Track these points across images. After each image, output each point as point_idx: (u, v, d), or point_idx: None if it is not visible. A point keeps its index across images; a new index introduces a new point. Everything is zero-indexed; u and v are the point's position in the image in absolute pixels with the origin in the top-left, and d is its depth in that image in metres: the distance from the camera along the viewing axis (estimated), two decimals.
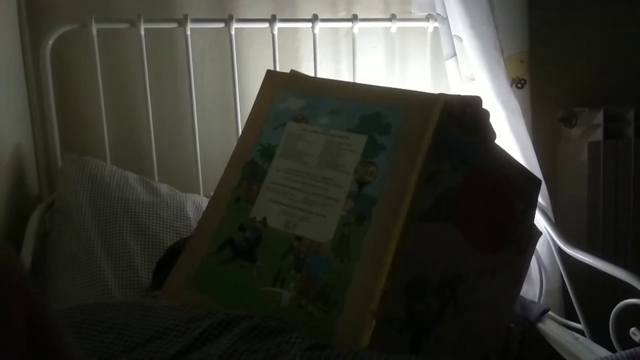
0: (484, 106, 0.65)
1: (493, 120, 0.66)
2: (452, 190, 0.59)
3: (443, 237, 0.59)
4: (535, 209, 0.71)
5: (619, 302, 0.89)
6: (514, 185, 0.68)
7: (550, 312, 1.06)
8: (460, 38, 1.24)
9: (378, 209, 0.57)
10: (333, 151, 0.63)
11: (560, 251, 1.07)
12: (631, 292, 0.88)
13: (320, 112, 0.67)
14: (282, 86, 0.72)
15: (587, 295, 1.10)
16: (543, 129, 1.44)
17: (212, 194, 0.70)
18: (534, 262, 1.20)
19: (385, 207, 0.57)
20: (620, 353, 0.64)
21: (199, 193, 1.27)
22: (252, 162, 0.67)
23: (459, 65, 1.30)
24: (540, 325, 1.03)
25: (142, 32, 1.22)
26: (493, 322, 0.67)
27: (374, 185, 0.59)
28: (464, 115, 0.62)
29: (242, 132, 0.72)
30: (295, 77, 0.73)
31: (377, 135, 0.61)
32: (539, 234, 0.73)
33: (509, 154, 0.69)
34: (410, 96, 0.64)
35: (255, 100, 0.73)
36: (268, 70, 0.75)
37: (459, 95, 0.64)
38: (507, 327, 0.73)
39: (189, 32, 1.24)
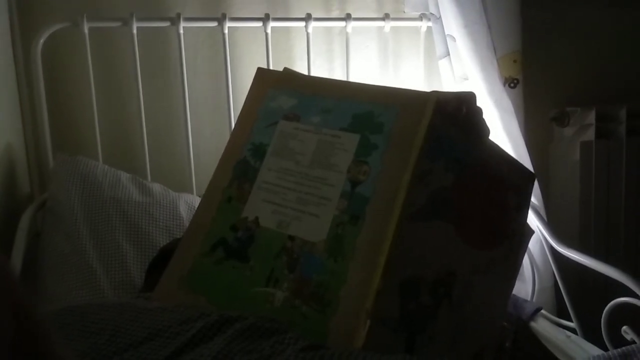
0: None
1: (486, 119, 0.66)
2: (445, 188, 0.59)
3: (437, 235, 0.59)
4: (529, 203, 0.71)
5: (610, 301, 0.90)
6: (508, 181, 0.68)
7: (542, 311, 1.06)
8: (454, 37, 1.24)
9: (371, 208, 0.57)
10: (326, 150, 0.63)
11: (553, 250, 1.08)
12: (623, 290, 0.88)
13: (312, 110, 0.66)
14: (273, 84, 0.71)
15: (579, 294, 1.10)
16: (535, 129, 1.45)
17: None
18: (526, 261, 1.20)
19: (379, 207, 0.57)
20: (613, 351, 0.64)
21: (191, 192, 1.26)
22: (243, 161, 0.67)
23: (452, 64, 1.30)
24: (533, 324, 1.03)
25: (135, 31, 1.21)
26: (487, 319, 0.67)
27: (367, 184, 0.59)
28: (459, 113, 0.61)
29: (233, 130, 0.71)
30: (288, 75, 0.73)
31: (369, 135, 0.61)
32: (532, 232, 0.73)
33: (502, 148, 0.69)
34: (402, 94, 0.64)
35: (246, 99, 0.72)
36: (259, 68, 0.74)
37: (454, 92, 0.64)
38: (500, 326, 0.73)
39: (181, 31, 1.24)
